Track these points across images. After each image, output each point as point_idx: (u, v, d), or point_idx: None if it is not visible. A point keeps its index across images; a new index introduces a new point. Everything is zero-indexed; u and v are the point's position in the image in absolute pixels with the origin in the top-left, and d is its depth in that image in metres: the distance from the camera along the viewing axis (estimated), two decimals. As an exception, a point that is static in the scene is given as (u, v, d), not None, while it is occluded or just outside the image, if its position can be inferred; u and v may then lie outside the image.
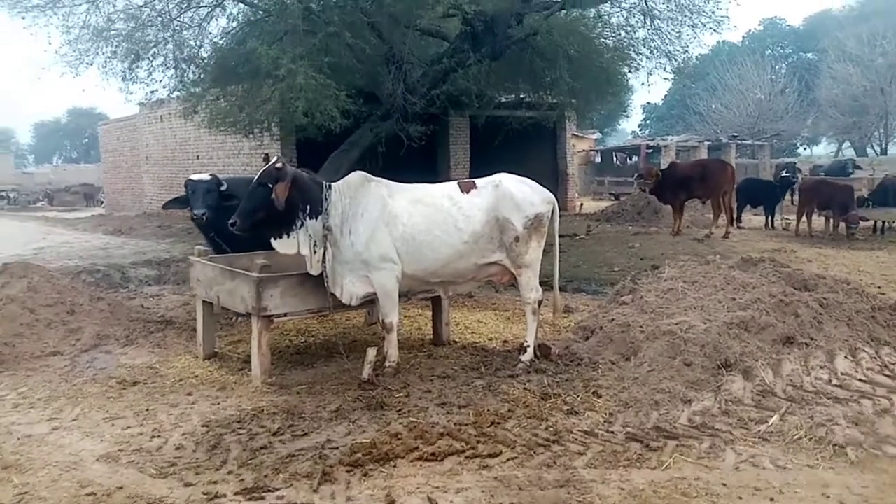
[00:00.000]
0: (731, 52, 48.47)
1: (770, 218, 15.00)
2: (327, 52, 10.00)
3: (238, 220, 4.80)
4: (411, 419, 4.21)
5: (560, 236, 13.69)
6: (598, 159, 32.13)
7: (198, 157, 17.24)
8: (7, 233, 17.33)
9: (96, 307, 6.69)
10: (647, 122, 58.79)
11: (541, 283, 5.54)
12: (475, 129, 17.91)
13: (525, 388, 4.80)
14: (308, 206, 4.92)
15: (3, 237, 15.68)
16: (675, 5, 12.17)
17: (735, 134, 33.13)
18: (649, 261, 10.34)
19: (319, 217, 4.95)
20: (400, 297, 5.36)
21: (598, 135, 35.51)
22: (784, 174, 16.51)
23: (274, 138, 13.14)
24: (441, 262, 5.10)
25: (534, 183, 5.44)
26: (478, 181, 5.31)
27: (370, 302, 5.32)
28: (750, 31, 56.98)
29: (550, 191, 5.71)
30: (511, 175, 5.41)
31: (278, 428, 4.11)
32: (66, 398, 4.83)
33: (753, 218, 16.34)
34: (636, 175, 15.26)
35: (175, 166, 17.98)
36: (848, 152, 46.62)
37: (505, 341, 6.21)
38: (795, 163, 22.72)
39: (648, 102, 57.48)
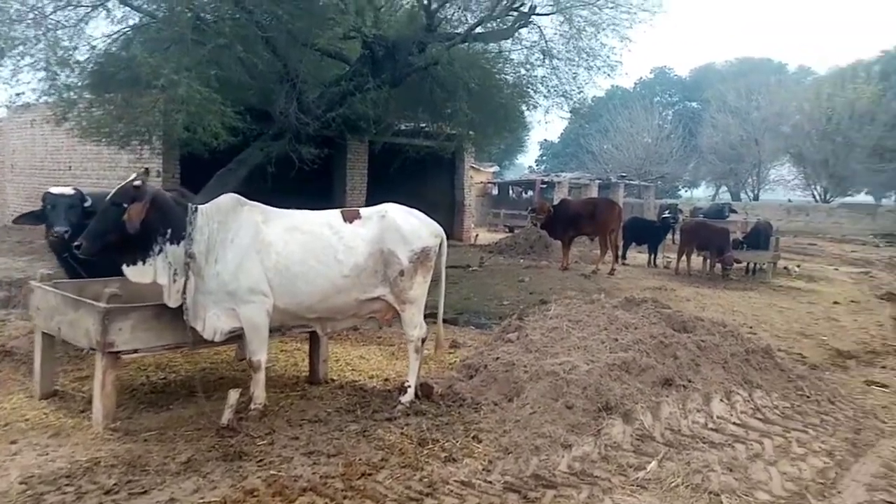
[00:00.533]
0: (624, 96, 51.30)
1: (653, 256, 15.60)
2: (216, 64, 9.48)
3: (84, 242, 4.25)
4: (272, 472, 3.79)
5: (453, 267, 13.59)
6: (495, 192, 32.70)
7: (70, 167, 15.92)
8: None
9: (-83, 334, 5.79)
10: (544, 157, 60.92)
11: (426, 317, 5.29)
12: (374, 155, 17.66)
13: (402, 433, 4.49)
14: (169, 230, 4.44)
15: None
16: (573, 47, 12.55)
17: (624, 174, 34.81)
18: (538, 295, 10.40)
19: (182, 242, 4.47)
20: (272, 332, 4.94)
21: (496, 167, 36.24)
22: (666, 215, 17.29)
23: (155, 152, 12.30)
24: (318, 297, 4.74)
25: (422, 215, 5.20)
26: (362, 210, 5.02)
27: (237, 337, 4.86)
28: (641, 78, 60.70)
29: (447, 221, 5.52)
30: (398, 206, 5.16)
31: (114, 484, 3.57)
32: None
33: (638, 255, 16.96)
34: (529, 209, 15.48)
35: (43, 177, 16.49)
36: (724, 196, 50.17)
37: (386, 379, 5.88)
38: (678, 204, 23.98)
39: (545, 139, 59.69)
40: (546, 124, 22.45)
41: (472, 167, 23.27)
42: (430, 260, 5.07)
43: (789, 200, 40.21)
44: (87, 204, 5.90)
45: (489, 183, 32.71)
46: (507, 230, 25.61)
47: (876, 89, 36.13)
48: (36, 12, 9.63)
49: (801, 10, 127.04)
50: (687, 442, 4.53)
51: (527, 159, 59.56)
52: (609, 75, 13.26)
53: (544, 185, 29.53)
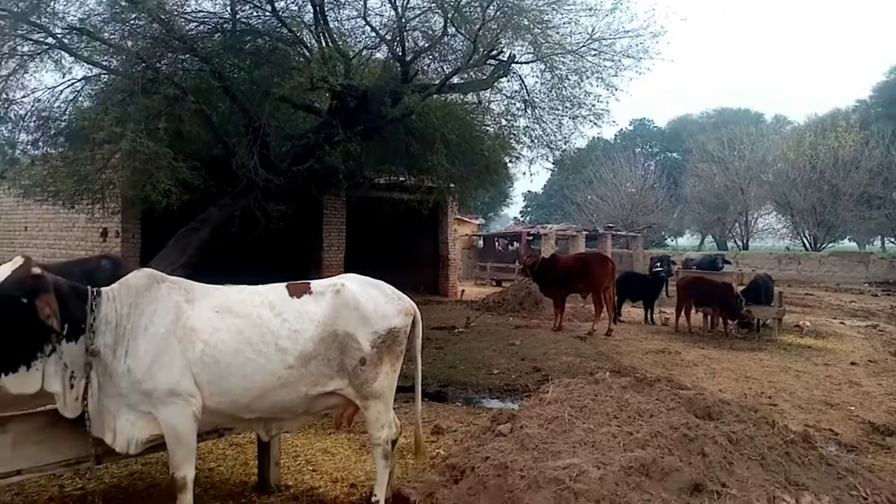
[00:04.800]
0: (605, 148, 51.35)
1: (649, 313, 14.71)
2: (171, 116, 8.69)
3: None
4: None
5: (438, 329, 12.53)
6: (480, 244, 31.93)
7: (26, 228, 14.93)
8: None
9: None
10: (528, 209, 60.62)
11: (401, 390, 4.29)
12: (352, 210, 16.85)
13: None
14: (66, 325, 3.46)
15: None
16: (557, 96, 11.92)
17: (611, 224, 34.23)
18: (530, 361, 9.44)
19: (82, 337, 3.50)
20: (207, 434, 3.96)
21: (481, 220, 35.62)
22: (657, 268, 16.45)
23: (109, 211, 11.35)
24: (255, 393, 3.76)
25: (389, 287, 4.27)
26: (314, 284, 4.08)
27: (161, 446, 3.84)
28: (622, 130, 60.97)
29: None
30: (359, 276, 4.24)
31: None
32: None
33: (632, 310, 16.07)
34: (522, 262, 14.38)
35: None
36: (709, 245, 49.79)
37: (352, 485, 4.85)
38: (670, 256, 23.21)
39: (529, 191, 59.40)
40: (532, 176, 21.56)
41: (458, 219, 22.51)
42: (399, 344, 4.13)
43: (787, 248, 39.26)
44: None
45: (475, 235, 31.97)
46: (494, 283, 24.72)
47: (858, 137, 36.18)
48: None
49: (769, 61, 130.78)
50: (732, 576, 3.53)
51: (511, 210, 59.19)
52: (595, 124, 12.59)
53: (531, 237, 28.81)
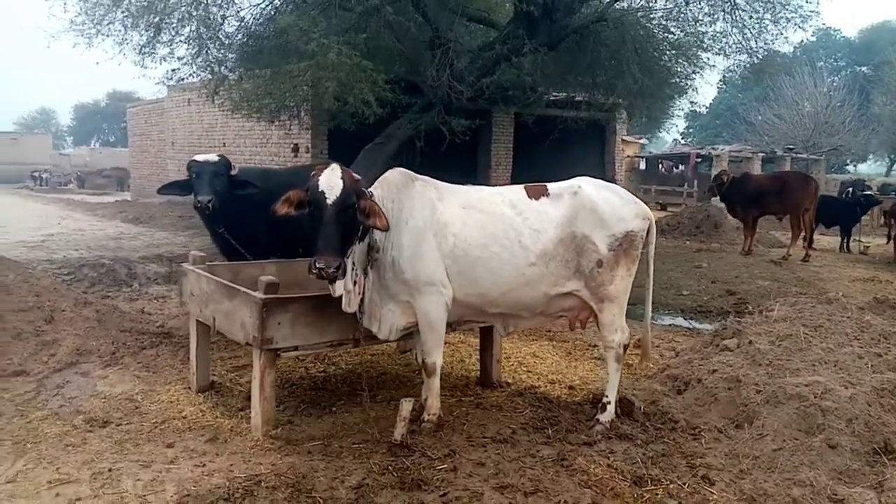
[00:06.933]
0: (783, 61, 46.24)
1: (846, 240, 13.52)
2: (365, 29, 8.91)
3: (326, 260, 3.38)
4: (462, 515, 3.02)
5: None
6: (642, 166, 30.57)
7: (224, 144, 16.25)
8: (24, 216, 16.60)
9: (80, 314, 5.61)
10: (690, 130, 56.72)
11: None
12: (518, 129, 16.67)
13: (609, 465, 3.59)
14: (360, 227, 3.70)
15: (18, 221, 14.91)
16: (761, -3, 10.82)
17: (791, 146, 31.30)
18: (722, 285, 9.06)
19: (367, 237, 3.75)
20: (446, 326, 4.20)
21: (644, 140, 33.92)
22: (866, 193, 14.92)
23: (303, 127, 12.03)
24: (500, 288, 3.90)
25: (624, 191, 4.21)
26: (550, 186, 4.09)
27: (408, 334, 4.13)
28: (802, 41, 54.51)
29: None
30: (594, 180, 4.19)
31: (276, 516, 2.96)
32: (11, 442, 3.74)
33: (821, 238, 14.83)
34: (713, 179, 13.45)
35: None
36: (896, 172, 44.23)
37: (571, 387, 4.99)
38: (865, 180, 21.00)
39: (692, 110, 55.29)
40: (724, 86, 19.57)
41: (623, 139, 21.59)
42: (635, 248, 4.09)
43: None
44: (233, 172, 5.50)
45: (636, 157, 30.61)
46: (658, 207, 23.74)
47: None
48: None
49: None
50: None
51: (670, 133, 55.59)
52: (800, 27, 11.33)
53: (700, 159, 27.11)
